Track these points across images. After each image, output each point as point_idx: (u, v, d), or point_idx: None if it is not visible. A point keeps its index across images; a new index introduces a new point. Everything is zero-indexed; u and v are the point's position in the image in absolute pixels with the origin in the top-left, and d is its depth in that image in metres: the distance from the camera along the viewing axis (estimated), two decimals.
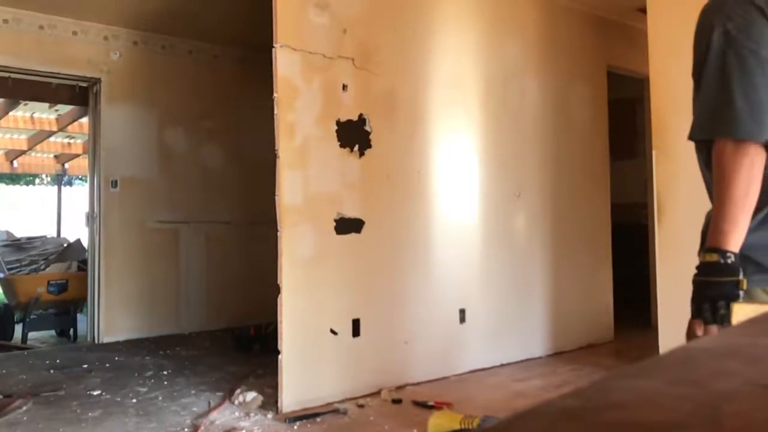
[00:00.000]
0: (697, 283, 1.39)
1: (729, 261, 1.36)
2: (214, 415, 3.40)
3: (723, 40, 1.43)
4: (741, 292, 1.35)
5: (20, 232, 9.03)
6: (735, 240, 1.37)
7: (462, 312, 4.30)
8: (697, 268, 1.40)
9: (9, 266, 6.76)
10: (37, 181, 17.39)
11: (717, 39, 1.44)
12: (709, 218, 1.49)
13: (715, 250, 1.38)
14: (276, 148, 3.53)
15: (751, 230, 1.43)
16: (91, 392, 3.91)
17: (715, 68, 1.44)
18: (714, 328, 1.34)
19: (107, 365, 4.68)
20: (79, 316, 6.54)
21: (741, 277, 1.35)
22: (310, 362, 3.62)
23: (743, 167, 1.37)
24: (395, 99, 4.07)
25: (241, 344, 5.14)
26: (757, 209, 1.43)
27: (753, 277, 1.44)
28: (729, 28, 1.43)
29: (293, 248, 3.56)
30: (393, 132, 4.05)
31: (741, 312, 1.29)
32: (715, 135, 1.42)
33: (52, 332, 6.75)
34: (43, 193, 15.70)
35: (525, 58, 4.79)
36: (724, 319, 1.33)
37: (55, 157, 10.51)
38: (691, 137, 1.48)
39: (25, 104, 7.67)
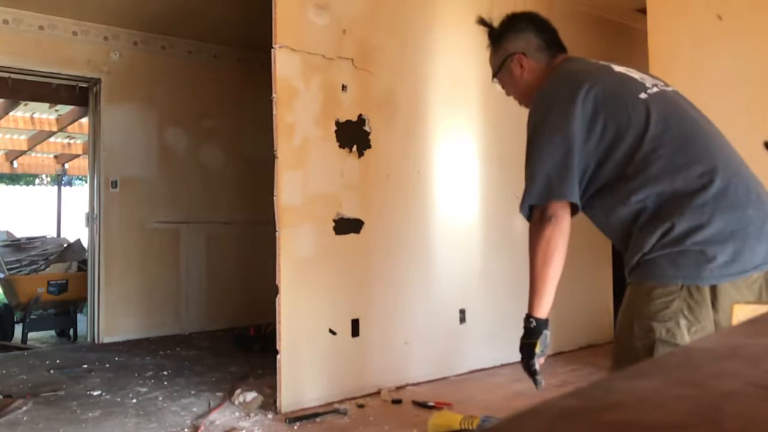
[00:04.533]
0: (520, 343, 1.75)
1: (531, 326, 1.72)
2: (214, 415, 3.40)
3: (534, 126, 1.73)
4: (537, 352, 1.72)
5: (20, 233, 9.04)
6: (537, 307, 1.71)
7: (462, 312, 4.30)
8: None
9: (9, 266, 6.77)
10: (37, 181, 17.39)
11: (534, 125, 1.74)
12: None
13: (527, 315, 1.73)
14: (275, 148, 3.53)
15: (704, 226, 1.54)
16: (91, 392, 3.91)
17: (530, 147, 1.74)
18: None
19: (107, 365, 4.68)
20: (79, 316, 6.56)
21: (536, 339, 1.71)
22: (310, 362, 3.62)
23: (540, 244, 1.68)
24: (395, 99, 4.07)
25: (241, 344, 5.14)
26: (701, 207, 1.56)
27: (700, 273, 1.55)
28: (545, 113, 1.71)
29: (292, 248, 3.56)
30: (392, 132, 4.05)
31: (741, 312, 1.31)
32: (530, 204, 1.73)
33: (52, 332, 6.76)
34: (43, 193, 15.70)
35: None
36: (534, 374, 1.74)
37: (55, 157, 10.52)
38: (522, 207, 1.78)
39: (25, 104, 7.68)
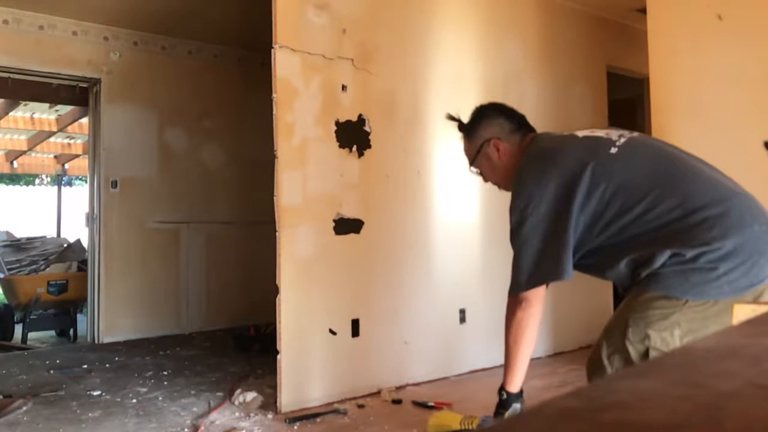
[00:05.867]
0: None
1: (503, 398, 1.84)
2: (214, 415, 3.40)
3: (516, 211, 1.79)
4: None
5: (20, 233, 9.04)
6: (509, 381, 1.83)
7: (462, 312, 4.30)
8: None
9: (9, 266, 6.77)
10: (37, 181, 17.39)
11: (516, 211, 1.79)
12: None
13: (500, 387, 1.86)
14: (275, 148, 3.53)
15: (717, 248, 1.58)
16: (91, 392, 3.91)
17: (517, 236, 1.79)
18: None
19: (107, 365, 4.68)
20: (79, 316, 6.56)
21: (505, 412, 1.82)
22: (310, 362, 3.61)
23: (512, 325, 1.80)
24: (395, 99, 4.07)
25: (241, 344, 5.14)
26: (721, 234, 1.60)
27: (708, 289, 1.60)
28: (527, 204, 1.77)
29: (292, 248, 3.56)
30: (392, 132, 4.04)
31: (741, 312, 1.31)
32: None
33: (52, 332, 6.76)
34: (43, 193, 15.69)
35: (525, 58, 4.79)
36: None
37: (55, 157, 10.52)
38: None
39: (25, 104, 7.68)
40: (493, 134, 2.00)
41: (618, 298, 2.05)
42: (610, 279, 1.85)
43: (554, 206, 1.71)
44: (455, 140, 4.44)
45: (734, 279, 1.55)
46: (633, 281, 1.71)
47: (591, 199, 1.69)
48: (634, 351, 1.64)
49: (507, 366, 1.83)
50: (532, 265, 1.74)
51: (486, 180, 2.09)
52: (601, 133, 1.84)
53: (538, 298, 1.78)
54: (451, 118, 2.07)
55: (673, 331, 1.60)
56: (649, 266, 1.63)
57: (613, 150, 1.74)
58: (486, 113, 2.06)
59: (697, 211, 1.60)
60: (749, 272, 1.56)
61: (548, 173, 1.75)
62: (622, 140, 1.77)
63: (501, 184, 2.05)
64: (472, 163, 2.06)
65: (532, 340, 1.82)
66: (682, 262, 1.58)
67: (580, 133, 1.88)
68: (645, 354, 1.63)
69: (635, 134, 1.85)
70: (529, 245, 1.74)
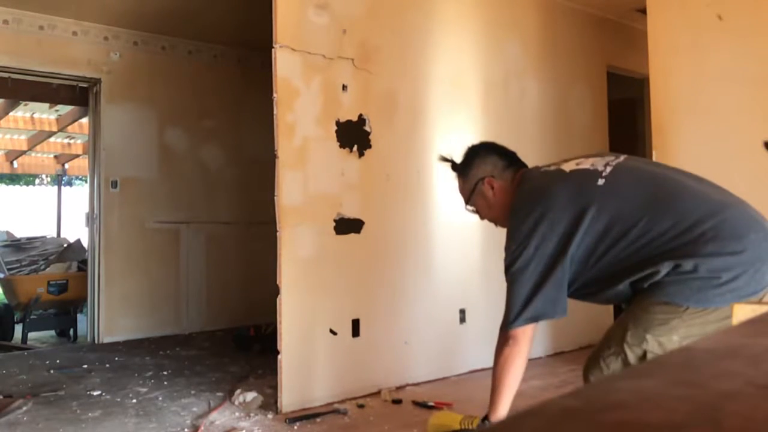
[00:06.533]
0: None
1: (485, 427, 1.97)
2: (214, 415, 3.40)
3: (511, 259, 1.82)
4: None
5: (20, 233, 9.04)
6: (493, 412, 1.90)
7: (462, 312, 4.30)
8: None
9: (9, 266, 6.77)
10: (37, 181, 17.39)
11: (509, 256, 1.82)
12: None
13: (485, 416, 1.96)
14: (275, 148, 3.53)
15: (715, 260, 1.62)
16: (91, 392, 3.91)
17: (511, 274, 1.83)
18: None
19: (107, 365, 4.68)
20: (79, 316, 6.56)
21: None
22: (310, 362, 3.62)
23: (499, 361, 1.87)
24: (395, 99, 4.07)
25: (241, 344, 5.14)
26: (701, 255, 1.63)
27: (710, 297, 1.63)
28: (524, 245, 1.80)
29: (293, 248, 3.56)
30: (393, 132, 4.04)
31: (741, 312, 1.32)
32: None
33: (52, 332, 6.76)
34: (43, 193, 15.69)
35: (525, 58, 4.79)
36: None
37: (55, 157, 10.51)
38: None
39: (25, 104, 7.67)
40: (486, 173, 2.03)
41: (618, 310, 2.08)
42: (610, 302, 1.88)
43: (547, 247, 1.74)
44: (455, 139, 4.45)
45: (737, 287, 1.57)
46: (635, 293, 1.72)
47: (587, 236, 1.72)
48: (631, 354, 1.66)
49: (492, 397, 1.89)
50: (521, 304, 1.77)
51: (482, 217, 2.12)
52: (587, 164, 1.86)
53: (525, 336, 1.81)
54: (444, 159, 2.11)
55: (671, 336, 1.62)
56: (651, 279, 1.65)
57: (601, 182, 1.77)
58: (478, 152, 2.09)
59: (691, 227, 1.62)
60: (752, 280, 1.58)
61: (540, 215, 1.77)
62: (609, 169, 1.79)
63: (497, 221, 2.09)
64: (467, 201, 2.09)
65: (518, 376, 1.87)
66: (682, 273, 1.61)
67: (567, 167, 1.90)
68: (642, 357, 1.65)
69: (621, 159, 1.87)
70: (520, 285, 1.78)
